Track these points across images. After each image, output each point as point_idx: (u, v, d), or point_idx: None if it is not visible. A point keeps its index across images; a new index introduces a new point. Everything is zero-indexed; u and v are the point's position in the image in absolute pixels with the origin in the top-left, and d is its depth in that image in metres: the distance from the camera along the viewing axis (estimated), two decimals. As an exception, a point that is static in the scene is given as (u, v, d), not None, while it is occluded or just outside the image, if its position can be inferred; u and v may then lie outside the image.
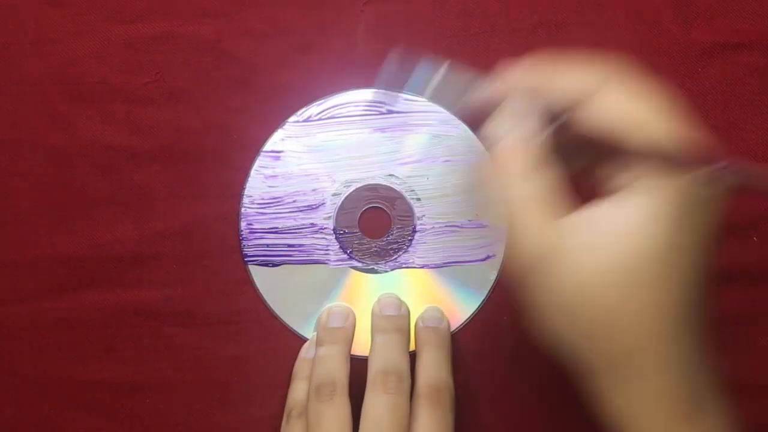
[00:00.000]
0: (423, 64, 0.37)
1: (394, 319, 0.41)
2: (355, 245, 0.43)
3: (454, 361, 0.40)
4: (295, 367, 0.42)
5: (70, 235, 0.43)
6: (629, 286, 0.29)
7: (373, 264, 0.43)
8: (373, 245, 0.43)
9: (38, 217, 0.43)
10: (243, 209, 0.43)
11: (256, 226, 0.43)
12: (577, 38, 0.42)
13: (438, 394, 0.38)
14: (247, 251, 0.43)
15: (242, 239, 0.43)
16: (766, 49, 0.42)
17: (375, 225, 0.43)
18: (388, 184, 0.42)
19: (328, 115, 0.42)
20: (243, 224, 0.43)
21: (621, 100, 0.30)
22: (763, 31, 0.42)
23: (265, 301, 0.43)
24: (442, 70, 0.36)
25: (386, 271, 0.43)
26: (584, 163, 0.33)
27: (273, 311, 0.43)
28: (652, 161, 0.29)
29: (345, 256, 0.43)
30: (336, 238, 0.43)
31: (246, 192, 0.42)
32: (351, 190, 0.42)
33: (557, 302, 0.30)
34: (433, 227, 0.42)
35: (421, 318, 0.42)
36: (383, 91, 0.41)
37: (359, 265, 0.43)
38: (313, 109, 0.42)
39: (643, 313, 0.30)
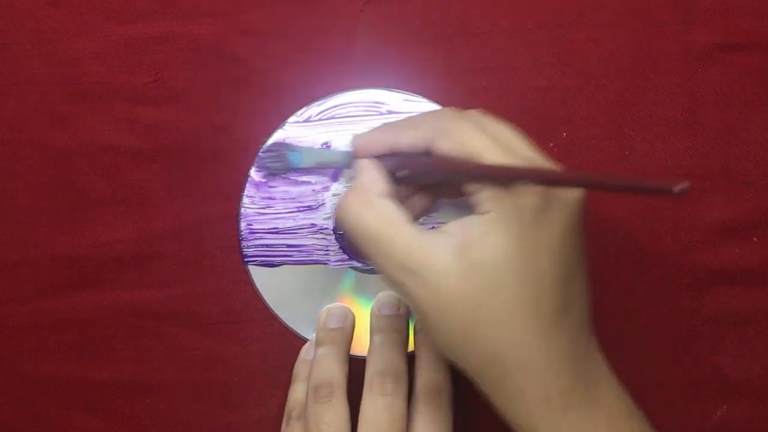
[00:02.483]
0: (292, 147, 0.41)
1: (392, 319, 0.41)
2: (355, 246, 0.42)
3: (453, 362, 0.40)
4: (295, 368, 0.42)
5: (70, 235, 0.43)
6: (484, 290, 0.31)
7: (372, 264, 0.42)
8: (373, 245, 0.42)
9: (38, 217, 0.43)
10: (243, 209, 0.43)
11: (255, 226, 0.43)
12: (577, 39, 0.42)
13: (437, 395, 0.38)
14: (247, 251, 0.43)
15: (242, 239, 0.43)
16: (766, 49, 0.42)
17: (375, 225, 0.43)
18: (387, 185, 0.42)
19: (328, 115, 0.42)
20: (243, 224, 0.43)
21: (454, 141, 0.33)
22: (762, 31, 0.42)
23: (265, 301, 0.43)
24: (309, 147, 0.41)
25: (386, 272, 0.42)
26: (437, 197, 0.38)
27: (273, 311, 0.43)
28: (494, 180, 0.32)
29: (345, 256, 0.43)
30: (336, 238, 0.43)
31: (246, 192, 0.42)
32: (351, 191, 0.42)
33: (434, 307, 0.32)
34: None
35: (420, 319, 0.42)
36: (268, 174, 0.42)
37: (359, 265, 0.43)
38: (313, 109, 0.42)
39: (498, 317, 0.31)
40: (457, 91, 0.42)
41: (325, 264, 0.43)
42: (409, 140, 0.35)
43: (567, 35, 0.42)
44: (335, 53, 0.43)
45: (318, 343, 0.41)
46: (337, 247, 0.43)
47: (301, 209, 0.42)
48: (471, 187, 0.33)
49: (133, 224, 0.43)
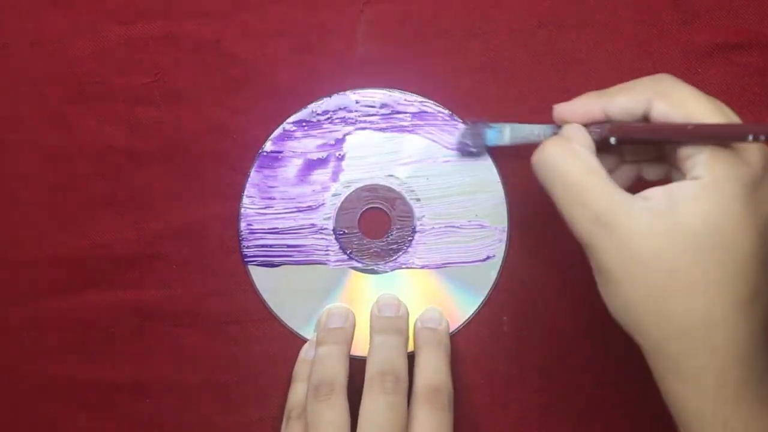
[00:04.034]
0: (489, 124, 0.41)
1: (392, 320, 0.41)
2: (355, 246, 0.43)
3: (453, 362, 0.40)
4: (295, 368, 0.42)
5: (70, 235, 0.43)
6: (685, 256, 0.30)
7: (373, 264, 0.43)
8: (373, 246, 0.43)
9: (38, 217, 0.43)
10: (243, 209, 0.43)
11: (255, 226, 0.43)
12: (577, 39, 0.42)
13: (437, 395, 0.38)
14: (247, 252, 0.43)
15: (242, 239, 0.43)
16: (766, 49, 0.42)
17: (375, 225, 0.43)
18: (387, 185, 0.42)
19: (328, 115, 0.42)
20: (243, 224, 0.43)
21: (674, 103, 0.32)
22: (763, 31, 0.42)
23: (265, 301, 0.43)
24: (506, 124, 0.40)
25: (386, 272, 0.43)
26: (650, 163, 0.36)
27: (273, 311, 0.43)
28: (717, 139, 0.31)
29: (345, 256, 0.43)
30: (336, 238, 0.43)
31: (246, 192, 0.42)
32: (351, 191, 0.42)
33: (622, 264, 0.31)
34: (433, 228, 0.42)
35: (420, 319, 0.42)
36: (465, 153, 0.42)
37: (359, 265, 0.43)
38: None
39: (696, 287, 0.30)
40: (457, 91, 0.42)
41: (325, 264, 0.43)
42: (623, 103, 0.34)
43: (567, 35, 0.42)
44: (335, 53, 0.43)
45: (319, 343, 0.41)
46: (337, 247, 0.43)
47: (301, 209, 0.42)
48: (685, 152, 0.31)
49: (133, 224, 0.43)
